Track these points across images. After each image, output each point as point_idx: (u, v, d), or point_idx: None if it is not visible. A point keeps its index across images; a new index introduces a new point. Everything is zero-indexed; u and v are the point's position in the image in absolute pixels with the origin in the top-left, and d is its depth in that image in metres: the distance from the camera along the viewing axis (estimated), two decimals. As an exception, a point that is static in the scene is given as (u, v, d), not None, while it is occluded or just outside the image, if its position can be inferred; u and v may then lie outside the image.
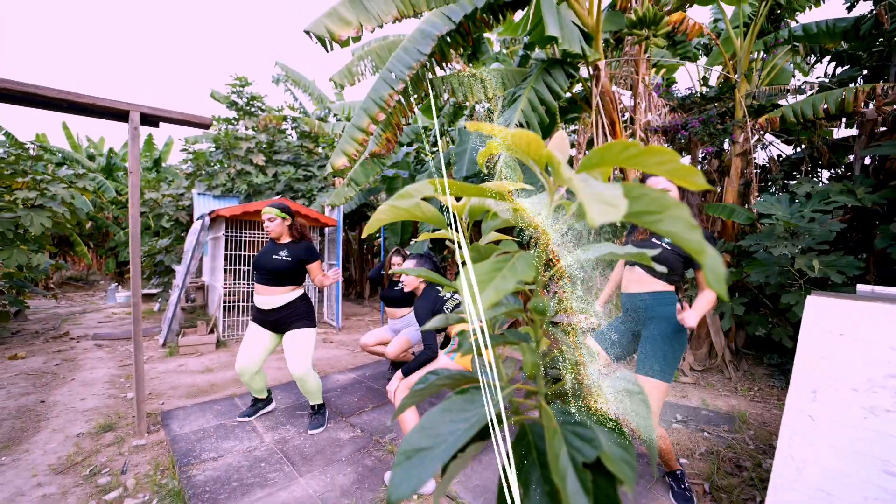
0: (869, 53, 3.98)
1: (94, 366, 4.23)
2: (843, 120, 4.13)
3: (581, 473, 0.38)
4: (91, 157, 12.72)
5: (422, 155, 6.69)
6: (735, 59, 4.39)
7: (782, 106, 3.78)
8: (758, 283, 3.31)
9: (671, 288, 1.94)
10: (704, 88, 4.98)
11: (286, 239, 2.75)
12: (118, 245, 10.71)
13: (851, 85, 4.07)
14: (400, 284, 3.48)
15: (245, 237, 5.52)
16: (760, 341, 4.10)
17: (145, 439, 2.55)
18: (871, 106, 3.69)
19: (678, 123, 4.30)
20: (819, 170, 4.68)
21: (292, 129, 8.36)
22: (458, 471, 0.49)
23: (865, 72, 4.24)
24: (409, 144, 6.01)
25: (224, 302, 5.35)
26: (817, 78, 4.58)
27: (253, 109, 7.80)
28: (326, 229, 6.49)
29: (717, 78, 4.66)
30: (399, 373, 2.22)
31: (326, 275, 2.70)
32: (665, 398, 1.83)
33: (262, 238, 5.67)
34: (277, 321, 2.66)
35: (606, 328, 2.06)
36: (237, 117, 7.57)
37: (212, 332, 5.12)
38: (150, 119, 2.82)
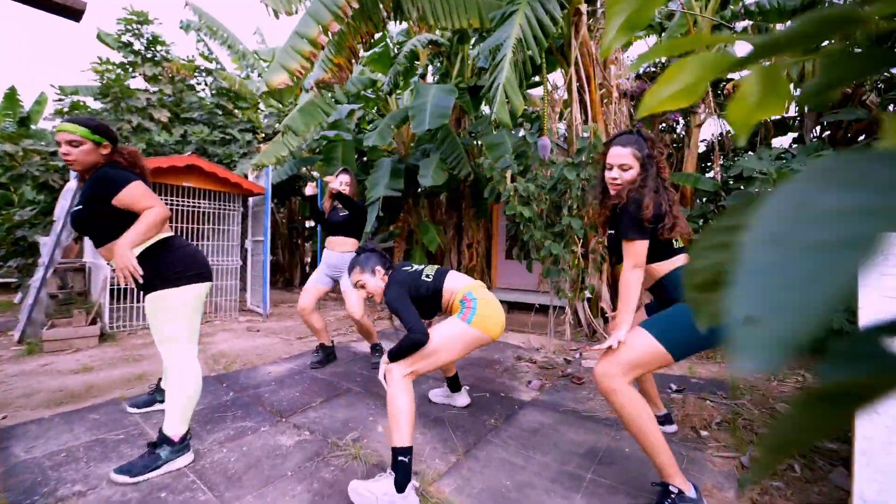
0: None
1: None
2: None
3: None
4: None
5: (368, 116, 5.94)
6: (696, 28, 4.35)
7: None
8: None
9: None
10: (664, 59, 4.93)
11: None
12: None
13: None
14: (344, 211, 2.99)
15: (142, 203, 4.38)
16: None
17: (-39, 472, 1.65)
18: (822, 79, 3.82)
19: (646, 88, 4.15)
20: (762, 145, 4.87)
21: (207, 85, 7.05)
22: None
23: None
24: (354, 100, 5.25)
25: (112, 284, 4.19)
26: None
27: (155, 56, 6.39)
28: (251, 199, 5.48)
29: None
30: (384, 357, 1.65)
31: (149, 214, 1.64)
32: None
33: (168, 205, 4.55)
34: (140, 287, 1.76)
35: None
36: (133, 62, 6.13)
37: (94, 322, 3.97)
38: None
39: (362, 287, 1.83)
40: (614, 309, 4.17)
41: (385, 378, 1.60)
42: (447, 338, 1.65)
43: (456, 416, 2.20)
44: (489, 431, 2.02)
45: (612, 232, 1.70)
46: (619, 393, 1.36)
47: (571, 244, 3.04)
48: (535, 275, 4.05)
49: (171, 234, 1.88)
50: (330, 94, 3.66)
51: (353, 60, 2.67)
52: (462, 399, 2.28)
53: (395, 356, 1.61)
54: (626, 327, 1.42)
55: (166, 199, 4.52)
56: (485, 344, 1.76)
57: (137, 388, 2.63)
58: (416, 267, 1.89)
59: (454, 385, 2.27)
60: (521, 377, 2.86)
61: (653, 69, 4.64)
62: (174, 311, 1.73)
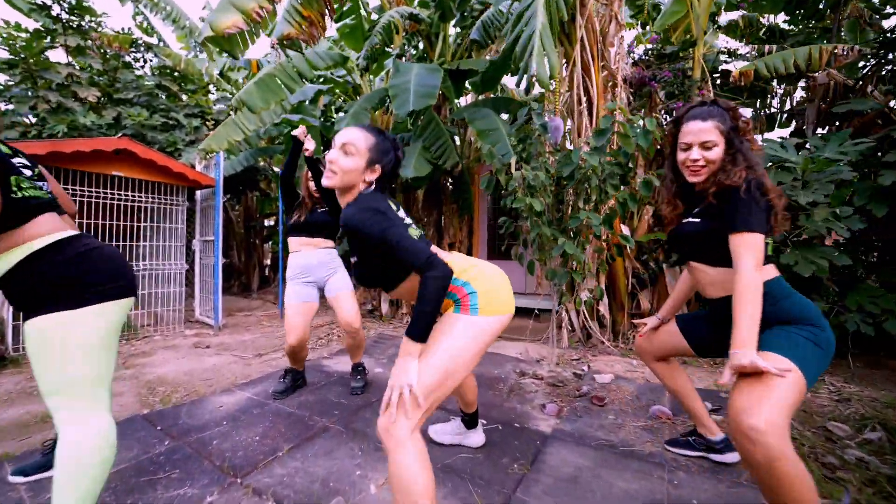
0: (805, 26, 4.07)
1: None
2: (789, 87, 4.17)
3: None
4: None
5: (336, 103, 5.33)
6: (693, 14, 4.13)
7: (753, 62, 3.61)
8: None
9: None
10: (655, 46, 4.69)
11: None
12: None
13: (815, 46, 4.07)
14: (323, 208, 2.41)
15: (58, 195, 3.57)
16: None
17: None
18: (824, 70, 3.70)
19: (646, 76, 3.88)
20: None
21: (146, 62, 6.14)
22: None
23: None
24: (322, 83, 4.64)
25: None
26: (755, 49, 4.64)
27: (81, 26, 5.45)
28: (199, 193, 4.73)
29: (676, 35, 4.40)
30: (389, 404, 1.11)
31: None
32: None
33: (94, 198, 3.76)
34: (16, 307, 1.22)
35: None
36: (52, 30, 5.17)
37: (-10, 344, 3.16)
38: None
39: (348, 154, 1.20)
40: (612, 312, 3.85)
41: (384, 436, 1.09)
42: (455, 345, 1.16)
43: (469, 461, 1.73)
44: (517, 484, 1.56)
45: (696, 220, 1.31)
46: (787, 460, 0.92)
47: (585, 243, 2.65)
48: (525, 276, 3.66)
49: (76, 233, 1.28)
50: (293, 66, 3.06)
51: (328, 14, 2.14)
52: (476, 438, 1.81)
53: (421, 330, 1.09)
54: (754, 347, 1.02)
55: (90, 192, 3.73)
56: (504, 327, 1.27)
57: (37, 436, 1.97)
58: (403, 215, 1.26)
59: (472, 421, 1.79)
60: (530, 399, 2.43)
61: (646, 58, 4.39)
62: (68, 345, 1.13)
